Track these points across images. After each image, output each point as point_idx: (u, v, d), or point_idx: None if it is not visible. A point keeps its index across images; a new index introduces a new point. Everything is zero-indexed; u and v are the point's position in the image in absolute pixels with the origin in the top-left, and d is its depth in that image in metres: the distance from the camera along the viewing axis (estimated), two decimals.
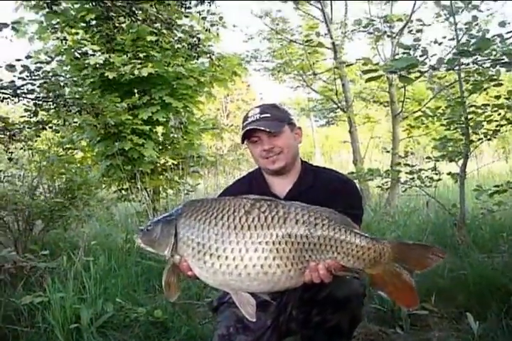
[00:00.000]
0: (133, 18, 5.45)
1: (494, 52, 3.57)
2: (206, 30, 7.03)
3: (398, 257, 1.96)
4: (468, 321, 3.13)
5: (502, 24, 4.18)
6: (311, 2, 10.16)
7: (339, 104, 9.75)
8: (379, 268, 1.96)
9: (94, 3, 5.53)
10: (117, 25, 5.52)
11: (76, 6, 7.29)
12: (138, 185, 7.15)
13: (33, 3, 6.48)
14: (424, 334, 3.30)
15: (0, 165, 6.08)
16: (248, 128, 2.38)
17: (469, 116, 4.77)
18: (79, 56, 7.59)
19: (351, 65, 6.70)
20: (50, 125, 5.55)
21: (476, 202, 5.56)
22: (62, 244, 5.20)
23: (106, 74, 7.11)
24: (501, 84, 4.50)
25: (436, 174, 5.22)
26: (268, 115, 2.40)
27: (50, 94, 5.00)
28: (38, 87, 4.90)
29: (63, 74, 6.94)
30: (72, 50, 7.59)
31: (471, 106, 4.82)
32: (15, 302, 3.50)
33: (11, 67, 4.48)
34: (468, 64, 3.17)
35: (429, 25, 6.12)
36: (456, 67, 3.14)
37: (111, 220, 7.14)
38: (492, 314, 3.22)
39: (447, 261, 3.98)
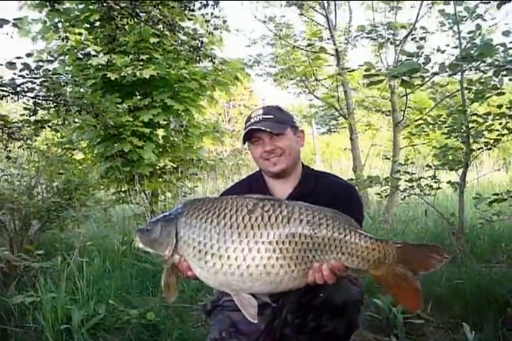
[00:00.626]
0: (136, 19, 5.44)
1: (497, 62, 3.56)
2: (209, 33, 7.03)
3: (403, 258, 1.94)
4: (464, 331, 3.09)
5: (506, 33, 4.15)
6: (316, 8, 10.18)
7: (341, 111, 9.74)
8: (383, 269, 1.94)
9: (97, 4, 5.52)
10: (119, 25, 5.50)
11: (80, 6, 7.31)
12: (136, 187, 7.13)
13: (36, 2, 6.46)
14: None
15: None
16: (250, 128, 2.36)
17: (470, 125, 4.75)
18: (81, 57, 7.60)
19: (354, 70, 6.69)
20: (49, 124, 5.51)
21: (474, 212, 5.54)
22: (58, 245, 5.18)
23: (108, 76, 7.11)
24: (504, 93, 4.48)
25: (436, 182, 5.19)
26: (271, 116, 2.38)
27: (50, 93, 4.98)
28: (38, 85, 4.88)
29: (65, 73, 6.94)
30: (75, 51, 7.60)
31: (473, 114, 4.80)
32: (6, 301, 3.47)
33: (11, 65, 4.47)
34: (470, 70, 3.15)
35: (433, 33, 6.12)
36: (459, 73, 3.12)
37: (108, 222, 7.11)
38: (488, 324, 3.19)
39: (444, 270, 3.95)
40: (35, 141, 6.07)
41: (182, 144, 7.93)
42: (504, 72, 3.29)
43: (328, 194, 2.37)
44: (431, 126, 5.33)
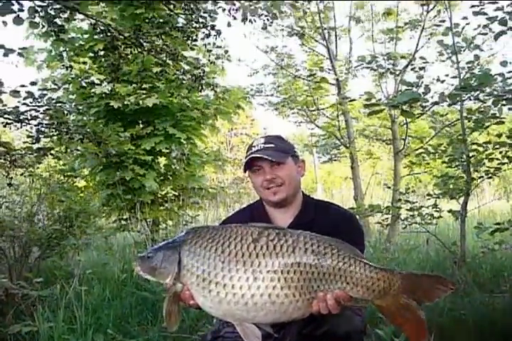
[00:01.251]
0: (139, 49, 5.53)
1: (495, 92, 3.60)
2: (211, 62, 7.13)
3: (407, 288, 1.93)
4: None
5: (504, 64, 4.22)
6: (317, 38, 10.34)
7: (341, 140, 9.79)
8: (388, 299, 1.93)
9: (101, 33, 5.62)
10: (123, 54, 5.59)
11: (85, 36, 7.44)
12: (137, 215, 7.12)
13: (42, 31, 6.58)
14: None
15: (0, 191, 6.07)
16: (252, 156, 2.37)
17: (471, 154, 4.77)
18: (85, 85, 7.69)
19: (354, 100, 6.76)
20: (51, 152, 5.55)
21: (476, 241, 5.51)
22: (58, 272, 5.12)
23: (111, 104, 7.18)
24: (503, 122, 4.51)
25: (437, 211, 5.18)
26: (272, 145, 2.39)
27: (54, 121, 5.03)
28: (41, 113, 4.94)
29: (69, 102, 7.01)
30: (79, 79, 7.70)
31: (473, 143, 4.83)
32: (2, 331, 3.42)
33: (15, 93, 4.53)
34: (470, 99, 3.18)
35: (432, 63, 6.20)
36: (459, 103, 3.16)
37: (109, 250, 7.07)
38: None
39: (447, 300, 3.90)
40: (38, 168, 6.10)
41: (184, 172, 7.95)
42: (503, 102, 3.32)
43: (329, 223, 2.36)
44: (431, 155, 5.35)
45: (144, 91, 7.22)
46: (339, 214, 2.49)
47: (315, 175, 27.21)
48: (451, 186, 5.01)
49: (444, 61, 6.51)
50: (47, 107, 4.94)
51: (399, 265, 5.47)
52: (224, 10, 6.02)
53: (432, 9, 8.73)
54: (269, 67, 11.91)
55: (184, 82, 6.81)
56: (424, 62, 5.82)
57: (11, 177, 5.40)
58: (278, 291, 1.88)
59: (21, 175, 5.83)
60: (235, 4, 5.84)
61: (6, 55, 4.48)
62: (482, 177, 4.92)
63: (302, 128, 20.18)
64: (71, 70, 6.90)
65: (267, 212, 2.50)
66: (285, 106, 11.58)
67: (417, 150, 7.21)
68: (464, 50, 5.35)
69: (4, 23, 4.53)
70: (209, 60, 7.05)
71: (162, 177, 8.00)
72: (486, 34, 5.10)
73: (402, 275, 1.95)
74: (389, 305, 1.93)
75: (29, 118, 4.91)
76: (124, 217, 7.72)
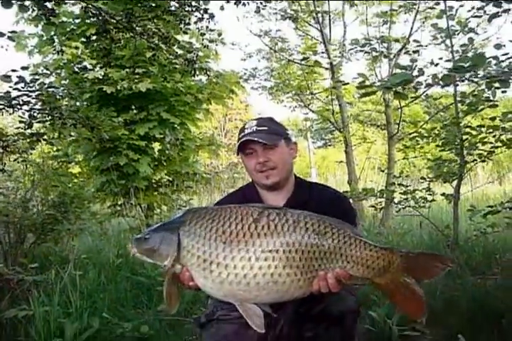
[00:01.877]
0: (131, 33, 5.48)
1: (489, 75, 3.59)
2: (205, 46, 7.08)
3: (406, 266, 1.95)
4: None
5: (498, 46, 4.20)
6: (311, 22, 10.27)
7: (335, 124, 9.78)
8: (387, 277, 1.94)
9: (92, 17, 5.57)
10: (115, 38, 5.53)
11: (76, 20, 7.37)
12: (132, 200, 7.13)
13: (32, 15, 6.51)
14: None
15: None
16: (244, 139, 2.36)
17: (464, 137, 4.78)
18: (78, 70, 7.64)
19: (348, 83, 6.73)
20: (44, 137, 5.52)
21: (469, 224, 5.54)
22: (53, 258, 5.14)
23: (104, 89, 7.14)
24: (497, 106, 4.51)
25: (430, 195, 5.20)
26: (265, 128, 2.37)
27: (46, 106, 4.98)
28: (33, 98, 4.89)
29: (61, 87, 6.96)
30: (71, 64, 7.64)
31: (466, 127, 4.83)
32: None
33: (6, 78, 4.48)
34: (463, 81, 3.17)
35: (426, 46, 6.17)
36: (452, 86, 3.15)
37: (104, 235, 7.08)
38: (483, 336, 3.18)
39: (439, 283, 3.94)
40: (31, 154, 6.07)
41: (178, 157, 7.94)
42: (497, 85, 3.31)
43: (322, 204, 2.35)
44: (425, 139, 5.36)
45: (137, 76, 7.18)
46: (332, 196, 2.49)
47: (309, 159, 27.20)
48: (444, 169, 5.03)
49: (439, 44, 6.49)
50: (39, 92, 4.89)
51: None
52: None
53: None
54: (263, 52, 11.85)
55: (177, 66, 6.77)
56: (418, 46, 5.78)
57: (4, 164, 5.37)
58: (280, 270, 1.88)
59: (14, 161, 5.80)
60: None
61: None
62: (475, 160, 4.93)
63: (296, 113, 20.15)
64: (62, 54, 6.83)
65: (260, 194, 2.49)
66: (279, 90, 11.53)
67: (410, 134, 7.21)
68: (458, 34, 5.34)
69: None
70: (202, 44, 7.01)
71: (156, 163, 8.00)
72: (480, 17, 5.09)
73: (401, 254, 1.97)
74: (388, 283, 1.95)
75: (21, 103, 4.86)
76: (119, 202, 7.72)
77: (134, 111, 7.63)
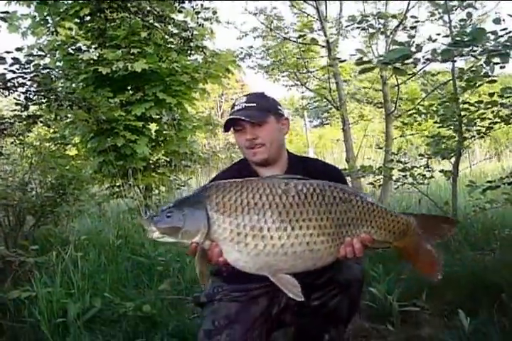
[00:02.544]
0: (126, 14, 5.42)
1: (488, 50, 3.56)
2: (200, 25, 7.01)
3: (421, 229, 2.08)
4: (459, 318, 3.10)
5: (496, 21, 4.14)
6: None
7: (333, 102, 9.73)
8: (406, 240, 2.07)
9: None
10: (109, 18, 5.47)
11: (69, 1, 7.27)
12: (130, 181, 7.13)
13: None
14: (415, 330, 3.27)
15: None
16: (231, 117, 2.34)
17: (462, 113, 4.76)
18: (72, 51, 7.57)
19: (345, 60, 6.69)
20: (41, 119, 5.49)
21: (467, 200, 5.56)
22: (53, 240, 5.16)
23: (99, 70, 7.08)
24: (495, 81, 4.49)
25: (429, 171, 5.21)
26: (253, 104, 2.35)
27: (42, 88, 4.95)
28: (28, 80, 4.85)
29: (56, 68, 6.90)
30: (66, 46, 7.56)
31: (465, 103, 4.81)
32: (1, 296, 3.46)
33: (1, 60, 4.44)
34: (463, 55, 3.14)
35: (423, 22, 6.11)
36: (450, 63, 3.12)
37: (103, 216, 7.10)
38: (483, 311, 3.20)
39: None
40: (28, 136, 6.05)
41: (175, 137, 7.93)
42: (496, 60, 3.29)
43: (318, 177, 2.36)
44: (423, 116, 5.34)
45: (132, 56, 7.12)
46: (326, 168, 2.51)
47: (306, 139, 27.20)
48: (443, 146, 5.03)
49: (437, 20, 6.43)
50: (34, 74, 4.85)
51: None
52: None
53: None
54: (259, 30, 11.73)
55: (173, 46, 6.70)
56: (415, 22, 5.72)
57: (1, 147, 5.35)
58: (314, 238, 1.90)
59: (11, 143, 5.79)
60: None
61: None
62: (474, 136, 4.93)
63: (293, 92, 20.07)
64: (57, 35, 6.76)
65: (254, 169, 2.47)
66: (275, 69, 11.45)
67: (408, 111, 7.19)
68: (455, 9, 5.28)
69: None
70: (197, 23, 6.94)
71: (153, 143, 7.98)
72: None
73: (417, 218, 2.10)
74: (407, 246, 2.08)
75: (16, 85, 4.82)
76: (117, 183, 7.73)
77: (130, 92, 7.59)
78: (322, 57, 11.01)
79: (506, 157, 12.71)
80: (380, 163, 8.13)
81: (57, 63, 7.75)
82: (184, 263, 4.31)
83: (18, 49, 4.83)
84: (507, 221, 5.30)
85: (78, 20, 7.34)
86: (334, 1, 10.33)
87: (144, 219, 1.99)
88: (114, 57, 7.08)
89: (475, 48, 2.76)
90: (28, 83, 4.98)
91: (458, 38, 2.58)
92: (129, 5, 5.29)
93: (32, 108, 5.50)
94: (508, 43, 2.76)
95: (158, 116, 7.76)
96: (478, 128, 4.86)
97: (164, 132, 8.01)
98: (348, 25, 8.09)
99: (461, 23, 4.77)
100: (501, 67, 4.02)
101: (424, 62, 3.20)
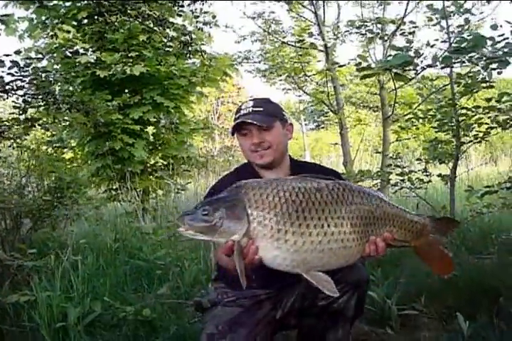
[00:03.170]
0: (125, 17, 5.43)
1: (486, 56, 3.59)
2: (198, 29, 7.03)
3: (433, 229, 2.22)
4: (458, 321, 3.11)
5: (494, 27, 4.18)
6: (305, 4, 10.16)
7: (330, 106, 9.75)
8: (422, 240, 2.20)
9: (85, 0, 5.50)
10: (108, 21, 5.48)
11: (67, 3, 7.27)
12: (127, 185, 7.11)
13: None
14: (413, 334, 3.29)
15: None
16: (239, 120, 2.36)
17: (460, 118, 4.79)
18: (70, 55, 7.56)
19: (344, 65, 6.71)
20: (39, 123, 5.48)
21: (464, 205, 5.58)
22: (50, 243, 5.14)
23: (97, 73, 7.08)
24: (493, 87, 4.51)
25: (427, 176, 5.23)
26: (261, 109, 2.37)
27: (40, 91, 4.95)
28: (27, 83, 4.85)
29: (54, 72, 6.90)
30: (63, 49, 7.56)
31: (462, 108, 4.84)
32: (0, 300, 3.45)
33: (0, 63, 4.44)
34: (463, 62, 3.17)
35: (421, 27, 6.14)
36: (448, 69, 3.14)
37: (100, 220, 7.08)
38: (482, 314, 3.22)
39: None
40: (25, 139, 6.04)
41: (172, 141, 7.93)
42: (494, 66, 3.32)
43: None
44: (420, 120, 5.36)
45: (131, 60, 7.12)
46: (327, 173, 2.52)
47: (303, 142, 27.21)
48: (440, 150, 5.05)
49: (434, 25, 6.44)
50: (33, 77, 4.85)
51: None
52: None
53: None
54: (257, 34, 11.75)
55: (171, 49, 6.71)
56: (413, 27, 5.76)
57: None
58: (348, 236, 1.95)
59: (9, 147, 5.78)
60: None
61: None
62: (471, 141, 4.95)
63: (289, 96, 20.10)
64: (56, 38, 6.76)
65: (258, 173, 2.49)
66: (273, 73, 11.47)
67: (406, 115, 7.21)
68: (453, 15, 5.31)
69: None
70: (196, 27, 6.95)
71: (151, 147, 7.98)
72: None
73: (430, 219, 2.25)
74: (422, 245, 2.21)
75: (15, 88, 4.82)
76: (114, 187, 7.71)
77: (128, 95, 7.59)
78: (319, 61, 11.04)
79: (502, 161, 12.74)
80: (377, 167, 8.15)
81: (55, 66, 7.75)
82: (183, 267, 4.30)
83: (17, 52, 4.83)
84: (504, 225, 5.32)
85: (76, 23, 7.34)
86: (332, 5, 10.38)
87: (178, 218, 1.96)
88: (112, 61, 7.09)
89: (473, 54, 2.78)
90: (27, 86, 4.98)
91: (457, 45, 2.60)
92: (128, 8, 5.30)
93: (30, 111, 5.50)
94: (507, 50, 2.77)
95: (155, 120, 7.76)
96: (476, 133, 4.88)
97: (162, 135, 8.01)
98: (347, 30, 8.12)
99: (459, 30, 4.80)
100: (499, 73, 4.05)
101: (423, 68, 3.21)
